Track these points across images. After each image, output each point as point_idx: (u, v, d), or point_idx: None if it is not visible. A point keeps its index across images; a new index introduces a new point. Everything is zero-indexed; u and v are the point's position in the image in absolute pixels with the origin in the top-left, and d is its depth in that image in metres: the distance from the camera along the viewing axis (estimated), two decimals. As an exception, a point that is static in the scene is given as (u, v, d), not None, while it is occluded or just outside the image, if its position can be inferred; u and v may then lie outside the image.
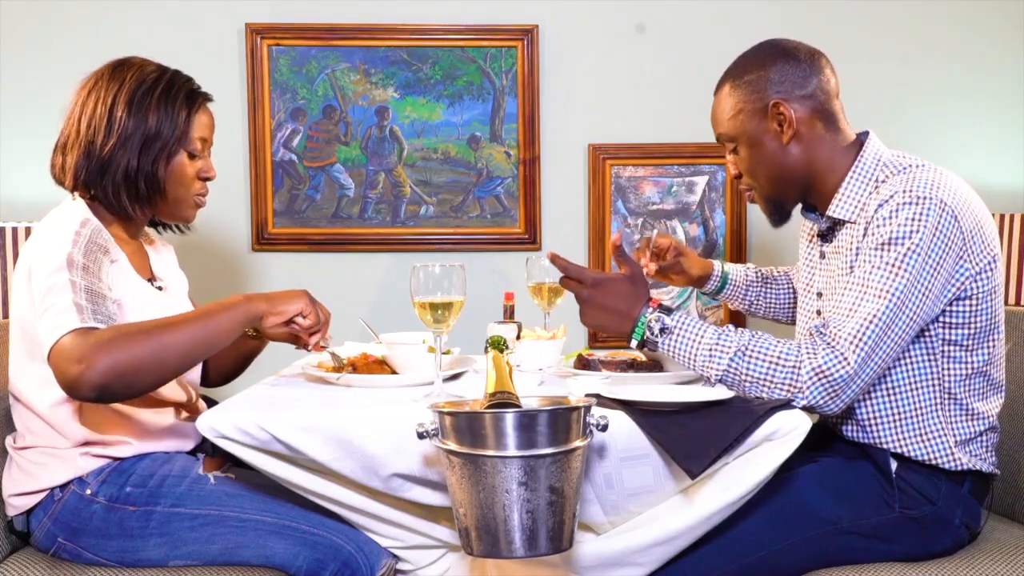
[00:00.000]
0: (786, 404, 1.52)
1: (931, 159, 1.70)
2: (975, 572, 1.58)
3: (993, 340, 1.65)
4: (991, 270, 1.60)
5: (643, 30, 2.89)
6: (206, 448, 1.75)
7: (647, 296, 1.67)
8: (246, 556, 1.60)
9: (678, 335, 1.61)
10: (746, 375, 1.56)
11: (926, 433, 1.64)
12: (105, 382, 1.43)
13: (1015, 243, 2.70)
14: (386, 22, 2.83)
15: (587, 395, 1.55)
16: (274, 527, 1.60)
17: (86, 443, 1.65)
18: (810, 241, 1.85)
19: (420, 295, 1.65)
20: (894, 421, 1.65)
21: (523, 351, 1.88)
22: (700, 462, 1.45)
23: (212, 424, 1.49)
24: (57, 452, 1.64)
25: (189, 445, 1.78)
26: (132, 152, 1.69)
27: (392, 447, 1.48)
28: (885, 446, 1.65)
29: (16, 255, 2.54)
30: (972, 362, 1.63)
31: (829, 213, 1.71)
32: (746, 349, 1.56)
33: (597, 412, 1.39)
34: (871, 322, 1.52)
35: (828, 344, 1.53)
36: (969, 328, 1.62)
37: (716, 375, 1.58)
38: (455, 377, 1.88)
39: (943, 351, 1.63)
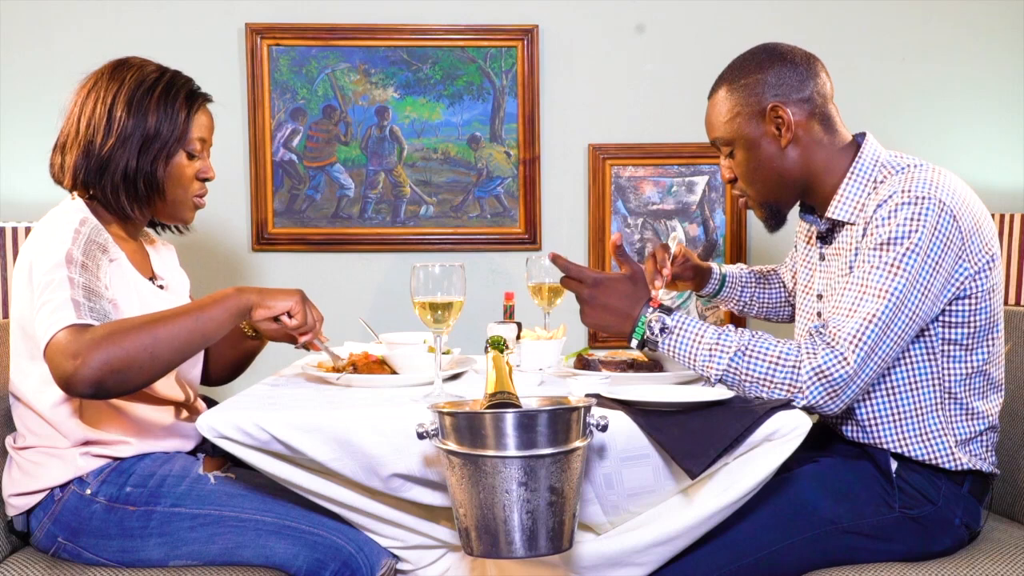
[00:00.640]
0: (786, 404, 1.52)
1: (930, 159, 1.70)
2: (975, 572, 1.58)
3: (992, 339, 1.65)
4: (990, 269, 1.61)
5: (643, 30, 2.89)
6: (206, 448, 1.75)
7: (647, 296, 1.67)
8: (246, 556, 1.60)
9: (678, 335, 1.61)
10: (746, 375, 1.56)
11: (926, 433, 1.64)
12: (99, 378, 1.43)
13: (1015, 243, 2.70)
14: (386, 22, 2.83)
15: (587, 395, 1.55)
16: (274, 527, 1.60)
17: (86, 443, 1.65)
18: (808, 243, 1.85)
19: (420, 295, 1.65)
20: (894, 421, 1.65)
21: (523, 351, 1.88)
22: (700, 462, 1.45)
23: (212, 424, 1.49)
24: (57, 452, 1.64)
25: (189, 445, 1.78)
26: (131, 152, 1.69)
27: (392, 447, 1.48)
28: (885, 446, 1.65)
29: (16, 255, 2.53)
30: (972, 361, 1.64)
31: (828, 215, 1.71)
32: (746, 349, 1.56)
33: (597, 412, 1.39)
34: (870, 322, 1.52)
35: (828, 344, 1.53)
36: (969, 327, 1.62)
37: (716, 375, 1.58)
38: (455, 377, 1.88)
39: (943, 350, 1.63)
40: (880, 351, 1.52)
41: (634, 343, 1.66)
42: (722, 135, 1.74)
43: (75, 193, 1.71)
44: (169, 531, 1.60)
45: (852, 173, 1.68)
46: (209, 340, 1.57)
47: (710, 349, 1.58)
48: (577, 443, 1.33)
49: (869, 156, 1.69)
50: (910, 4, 2.91)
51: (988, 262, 1.60)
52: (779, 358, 1.54)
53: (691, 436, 1.46)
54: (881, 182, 1.66)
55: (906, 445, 1.64)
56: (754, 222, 2.88)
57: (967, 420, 1.65)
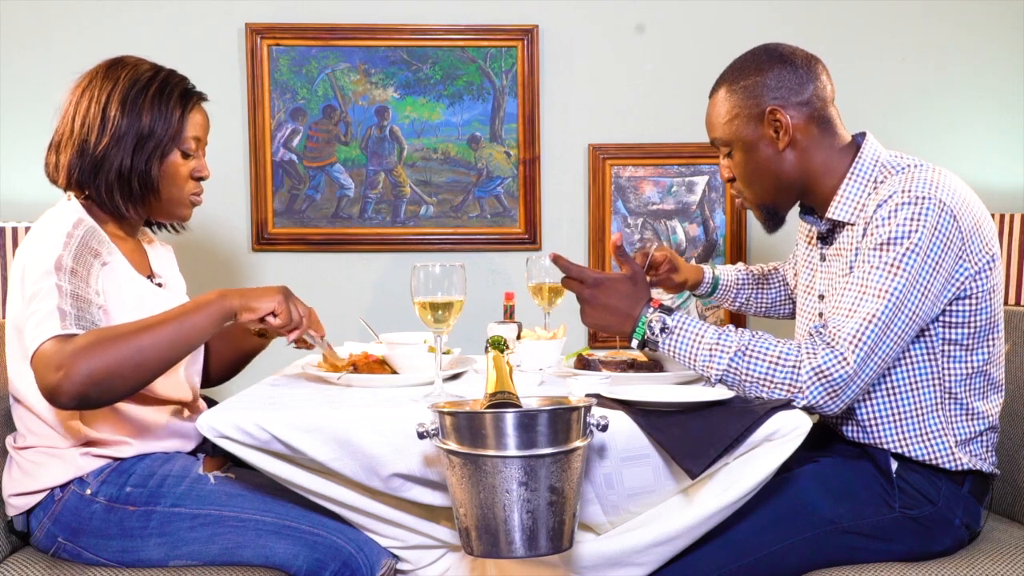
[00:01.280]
0: (786, 404, 1.52)
1: (931, 159, 1.70)
2: (975, 572, 1.58)
3: (993, 339, 1.65)
4: (990, 269, 1.61)
5: (643, 30, 2.89)
6: (206, 448, 1.75)
7: (648, 296, 1.67)
8: (246, 556, 1.60)
9: (678, 335, 1.61)
10: (746, 375, 1.56)
11: (927, 433, 1.64)
12: (83, 391, 1.44)
13: (1015, 243, 2.70)
14: (386, 22, 2.83)
15: (587, 395, 1.55)
16: (274, 527, 1.60)
17: (86, 443, 1.65)
18: (809, 243, 1.85)
19: (420, 295, 1.65)
20: (894, 421, 1.65)
21: (523, 351, 1.88)
22: (700, 462, 1.45)
23: (212, 424, 1.50)
24: (57, 452, 1.64)
25: (190, 445, 1.78)
26: (126, 151, 1.68)
27: (392, 447, 1.48)
28: (885, 446, 1.65)
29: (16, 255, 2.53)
30: (972, 361, 1.63)
31: (828, 215, 1.71)
32: (746, 349, 1.56)
33: (597, 412, 1.39)
34: (870, 322, 1.52)
35: (828, 344, 1.53)
36: (969, 327, 1.62)
37: (716, 375, 1.58)
38: (455, 377, 1.88)
39: (943, 351, 1.63)
40: (880, 351, 1.52)
41: (634, 343, 1.66)
42: (721, 136, 1.74)
43: (70, 193, 1.71)
44: (169, 531, 1.60)
45: (852, 174, 1.68)
46: (193, 347, 1.57)
47: (710, 349, 1.58)
48: (577, 443, 1.33)
49: (869, 156, 1.69)
50: (910, 4, 2.91)
51: (988, 262, 1.60)
52: (779, 358, 1.54)
53: (691, 436, 1.46)
54: (881, 182, 1.66)
55: (906, 445, 1.64)
56: (754, 222, 2.88)
57: (967, 420, 1.65)
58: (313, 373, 1.83)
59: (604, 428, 1.37)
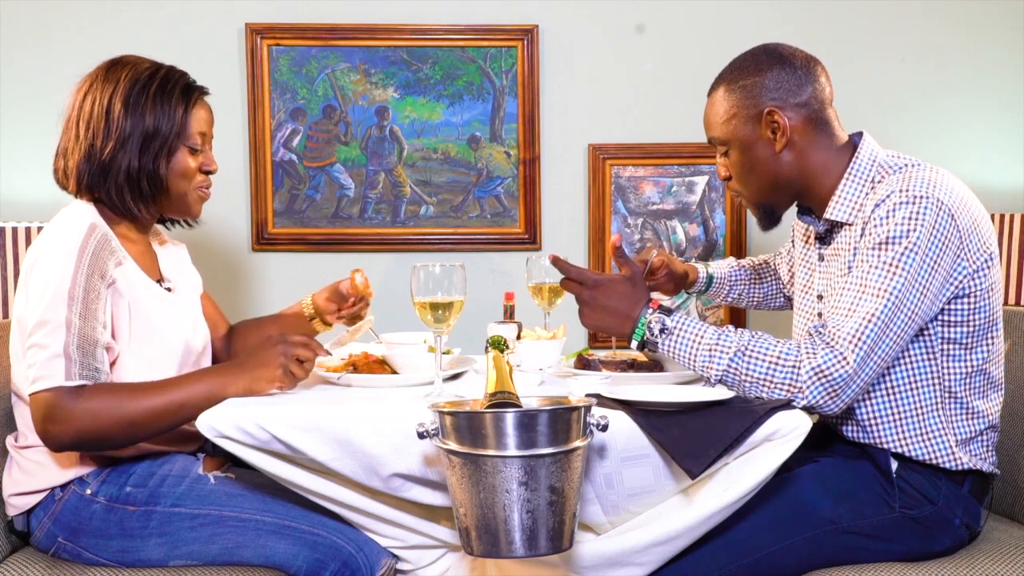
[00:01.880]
0: (786, 404, 1.52)
1: (930, 159, 1.70)
2: (975, 572, 1.58)
3: (992, 338, 1.65)
4: (988, 267, 1.61)
5: (643, 30, 2.89)
6: (206, 448, 1.75)
7: (647, 297, 1.67)
8: (246, 556, 1.60)
9: (678, 336, 1.61)
10: (746, 375, 1.56)
11: (927, 432, 1.64)
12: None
13: (1015, 243, 2.70)
14: (386, 22, 2.83)
15: (587, 395, 1.55)
16: (274, 527, 1.60)
17: (87, 443, 1.65)
18: (806, 242, 1.85)
19: (420, 295, 1.65)
20: (894, 421, 1.65)
21: (523, 351, 1.88)
22: (700, 462, 1.45)
23: (212, 424, 1.50)
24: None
25: (191, 446, 1.78)
26: (132, 152, 1.68)
27: (392, 447, 1.48)
28: (885, 446, 1.65)
29: (16, 255, 2.54)
30: (972, 360, 1.64)
31: (826, 216, 1.71)
32: (746, 349, 1.56)
33: (597, 412, 1.39)
34: (869, 321, 1.52)
35: (827, 344, 1.53)
36: (968, 326, 1.62)
37: (716, 375, 1.58)
38: (455, 377, 1.88)
39: (943, 350, 1.63)
40: (879, 350, 1.52)
41: (634, 344, 1.66)
42: (718, 135, 1.74)
43: (82, 197, 1.72)
44: (169, 531, 1.60)
45: (849, 174, 1.68)
46: (188, 422, 1.60)
47: (710, 350, 1.58)
48: (577, 443, 1.33)
49: (866, 156, 1.69)
50: (910, 4, 2.91)
51: (986, 261, 1.60)
52: (779, 358, 1.54)
53: (691, 436, 1.46)
54: (879, 182, 1.66)
55: (906, 445, 1.64)
56: (754, 223, 2.88)
57: (967, 419, 1.65)
58: (313, 373, 1.83)
59: (604, 428, 1.37)
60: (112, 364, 1.64)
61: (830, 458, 1.70)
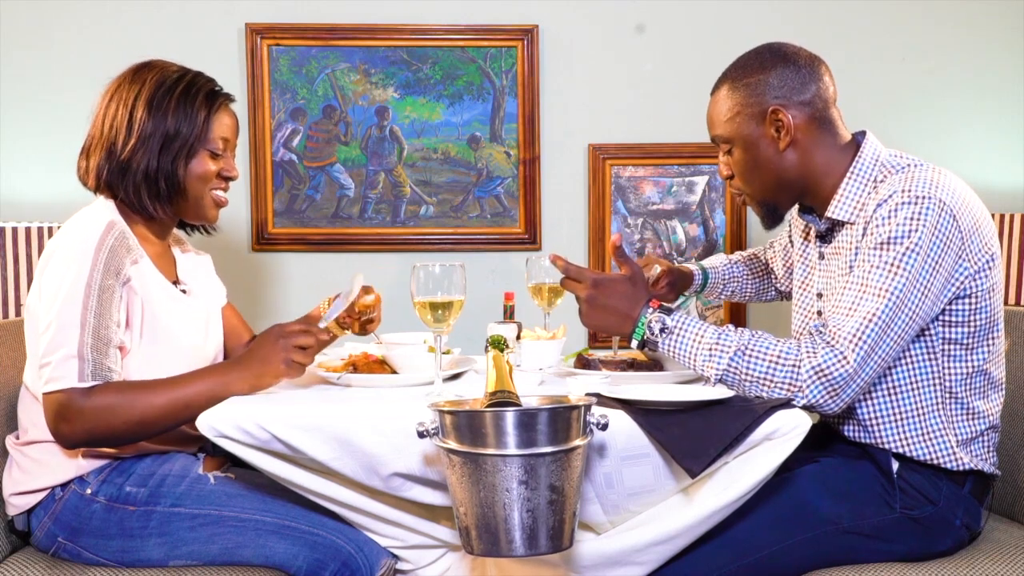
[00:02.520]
0: (786, 403, 1.52)
1: (930, 159, 1.70)
2: (975, 572, 1.58)
3: (993, 338, 1.65)
4: (990, 268, 1.61)
5: (643, 30, 2.89)
6: (206, 448, 1.75)
7: (647, 296, 1.67)
8: (246, 556, 1.60)
9: (678, 335, 1.61)
10: (746, 374, 1.56)
11: (928, 433, 1.64)
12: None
13: (1015, 243, 2.70)
14: (386, 22, 2.83)
15: (587, 394, 1.55)
16: (274, 527, 1.60)
17: (89, 440, 1.65)
18: (805, 239, 1.85)
19: (420, 295, 1.65)
20: (895, 421, 1.65)
21: (523, 351, 1.88)
22: (700, 461, 1.45)
23: (212, 423, 1.50)
24: (59, 449, 1.64)
25: (192, 446, 1.78)
26: (152, 152, 1.70)
27: (392, 446, 1.48)
28: (886, 446, 1.65)
29: (16, 255, 2.54)
30: (973, 361, 1.63)
31: (828, 215, 1.70)
32: (746, 348, 1.56)
33: (597, 411, 1.39)
34: (870, 321, 1.51)
35: (828, 343, 1.53)
36: (969, 327, 1.61)
37: (716, 374, 1.58)
38: (455, 377, 1.88)
39: (943, 350, 1.63)
40: (880, 350, 1.52)
41: (634, 344, 1.66)
42: (721, 133, 1.74)
43: (102, 194, 1.74)
44: (169, 531, 1.60)
45: (852, 173, 1.68)
46: (194, 419, 1.61)
47: (710, 349, 1.58)
48: (577, 442, 1.33)
49: (869, 155, 1.69)
50: (910, 4, 2.91)
51: (988, 261, 1.60)
52: (779, 357, 1.54)
53: (691, 435, 1.46)
54: (881, 181, 1.66)
55: (907, 445, 1.64)
56: (754, 222, 2.88)
57: (968, 420, 1.65)
58: (313, 373, 1.83)
59: (604, 427, 1.37)
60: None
61: (831, 458, 1.70)
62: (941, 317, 1.61)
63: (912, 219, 1.54)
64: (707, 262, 2.18)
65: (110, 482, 1.64)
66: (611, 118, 2.89)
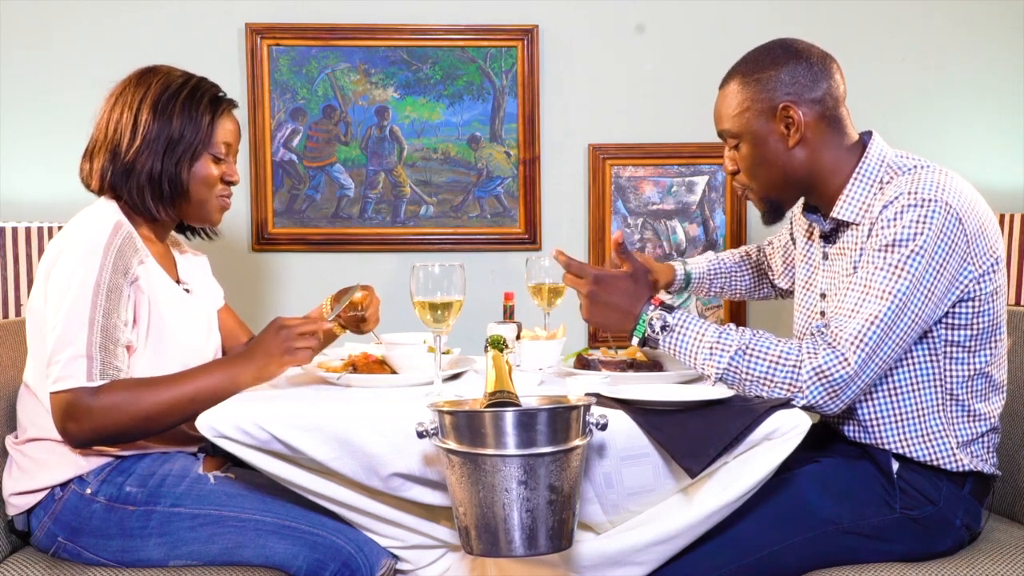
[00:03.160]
0: (786, 403, 1.52)
1: (931, 159, 1.70)
2: (975, 572, 1.58)
3: (995, 341, 1.64)
4: (994, 272, 1.60)
5: (643, 30, 2.89)
6: (206, 448, 1.75)
7: (649, 294, 1.67)
8: (246, 556, 1.60)
9: (679, 333, 1.61)
10: (746, 374, 1.55)
11: (928, 434, 1.64)
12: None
13: (1015, 243, 2.70)
14: (386, 22, 2.83)
15: (587, 394, 1.55)
16: (274, 527, 1.61)
17: (88, 439, 1.66)
18: (809, 239, 1.84)
19: (420, 295, 1.65)
20: (896, 422, 1.64)
21: (523, 351, 1.88)
22: (700, 461, 1.45)
23: (212, 423, 1.50)
24: (59, 448, 1.64)
25: (193, 446, 1.78)
26: (156, 155, 1.72)
27: (392, 446, 1.48)
28: (887, 447, 1.65)
29: (15, 255, 2.54)
30: (974, 363, 1.63)
31: (833, 215, 1.70)
32: (747, 348, 1.56)
33: (597, 411, 1.39)
34: (873, 323, 1.51)
35: (829, 344, 1.52)
36: (972, 329, 1.61)
37: (716, 373, 1.58)
38: (455, 377, 1.88)
39: (945, 352, 1.63)
40: (882, 352, 1.52)
41: (635, 340, 1.66)
42: (730, 128, 1.73)
43: (104, 196, 1.75)
44: (169, 531, 1.60)
45: (858, 174, 1.67)
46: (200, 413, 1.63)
47: (711, 347, 1.58)
48: (577, 442, 1.33)
49: (875, 156, 1.68)
50: (910, 4, 2.91)
51: (992, 265, 1.60)
52: (780, 357, 1.54)
53: (691, 435, 1.46)
54: (887, 183, 1.65)
55: (908, 446, 1.64)
56: (754, 223, 2.88)
57: (969, 421, 1.65)
58: (313, 373, 1.83)
59: (603, 427, 1.37)
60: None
61: (831, 458, 1.70)
62: (944, 319, 1.61)
63: (917, 222, 1.54)
64: (691, 262, 2.15)
65: (110, 482, 1.64)
66: (611, 118, 2.89)
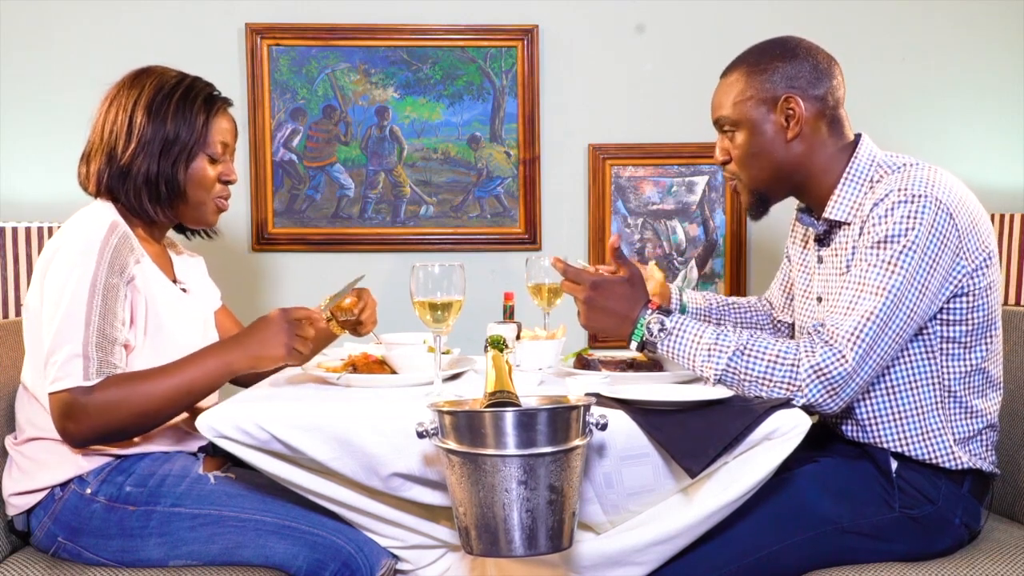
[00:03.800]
0: (786, 403, 1.52)
1: (930, 159, 1.70)
2: (975, 572, 1.58)
3: (991, 336, 1.65)
4: (987, 266, 1.61)
5: (643, 30, 2.89)
6: (206, 448, 1.75)
7: (646, 298, 1.67)
8: (246, 556, 1.60)
9: (677, 336, 1.61)
10: (745, 374, 1.56)
11: (926, 432, 1.64)
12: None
13: (1015, 243, 2.70)
14: (386, 22, 2.83)
15: (587, 394, 1.55)
16: (274, 527, 1.61)
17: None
18: (804, 247, 1.85)
19: (420, 295, 1.65)
20: (894, 420, 1.65)
21: (523, 351, 1.88)
22: (700, 461, 1.45)
23: (212, 424, 1.50)
24: (58, 447, 1.64)
25: (193, 446, 1.78)
26: (152, 157, 1.72)
27: (392, 446, 1.48)
28: (885, 445, 1.65)
29: (15, 255, 2.54)
30: (971, 359, 1.64)
31: (825, 215, 1.71)
32: (744, 348, 1.56)
33: (597, 411, 1.39)
34: (868, 320, 1.52)
35: (826, 342, 1.53)
36: (967, 325, 1.62)
37: (715, 375, 1.58)
38: (455, 377, 1.88)
39: (942, 348, 1.63)
40: (878, 348, 1.52)
41: (633, 345, 1.66)
42: (728, 115, 1.73)
43: (101, 198, 1.75)
44: (169, 531, 1.60)
45: (848, 173, 1.68)
46: (199, 401, 1.66)
47: (709, 349, 1.58)
48: (577, 442, 1.33)
49: (865, 156, 1.69)
50: (910, 4, 2.91)
51: (985, 259, 1.60)
52: (778, 357, 1.54)
53: (691, 435, 1.46)
54: (877, 181, 1.66)
55: (906, 444, 1.64)
56: (754, 223, 2.88)
57: (967, 418, 1.65)
58: (313, 373, 1.83)
59: (603, 427, 1.37)
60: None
61: (830, 458, 1.70)
62: (939, 315, 1.61)
63: (909, 217, 1.54)
64: (690, 294, 2.05)
65: (110, 482, 1.64)
66: (611, 118, 2.89)
